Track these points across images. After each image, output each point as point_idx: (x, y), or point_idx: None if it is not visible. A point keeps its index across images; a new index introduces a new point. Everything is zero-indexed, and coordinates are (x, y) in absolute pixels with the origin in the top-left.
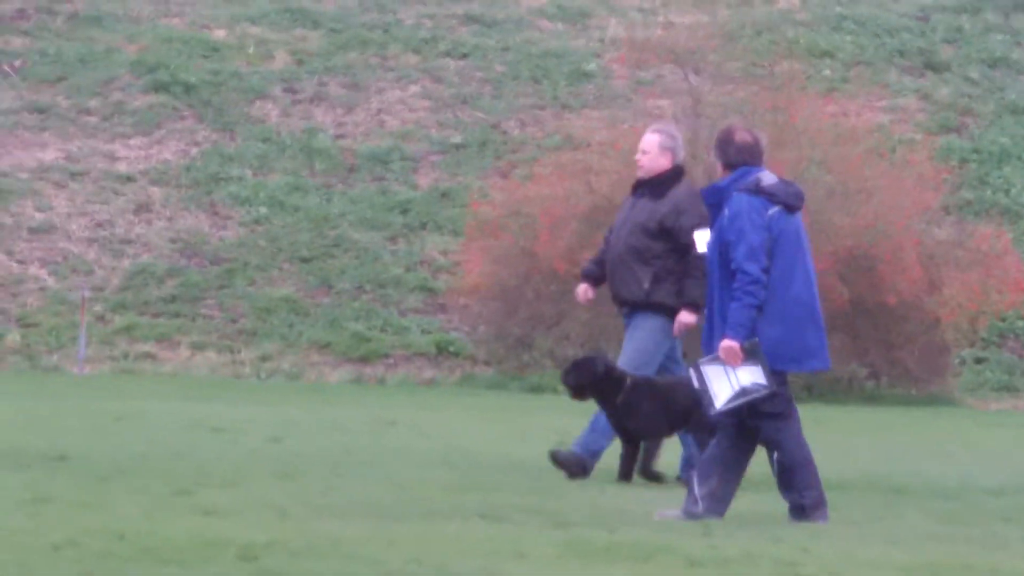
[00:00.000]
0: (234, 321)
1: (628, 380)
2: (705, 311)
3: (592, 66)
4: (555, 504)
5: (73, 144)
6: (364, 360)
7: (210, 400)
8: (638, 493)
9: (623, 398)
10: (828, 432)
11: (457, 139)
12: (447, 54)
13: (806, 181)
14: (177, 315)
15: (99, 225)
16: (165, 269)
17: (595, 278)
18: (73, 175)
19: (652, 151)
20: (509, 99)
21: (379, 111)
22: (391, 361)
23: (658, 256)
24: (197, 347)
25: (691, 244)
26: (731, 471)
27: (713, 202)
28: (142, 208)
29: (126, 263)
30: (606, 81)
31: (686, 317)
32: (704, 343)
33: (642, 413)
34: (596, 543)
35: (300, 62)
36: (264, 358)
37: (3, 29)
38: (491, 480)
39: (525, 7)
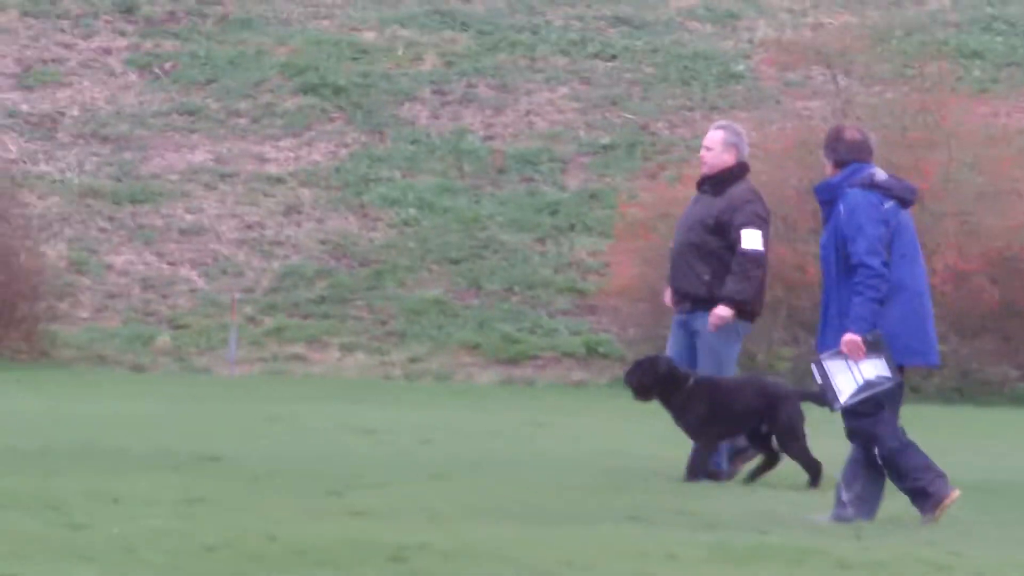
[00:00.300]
0: (383, 323)
1: (690, 380)
2: (822, 310)
3: (741, 68)
4: (705, 506)
5: (223, 146)
6: (513, 362)
7: (359, 402)
8: (788, 495)
9: (683, 398)
10: (978, 434)
11: (606, 140)
12: (596, 56)
13: (956, 182)
14: (327, 316)
15: (249, 227)
16: (315, 270)
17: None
18: (223, 177)
19: (716, 147)
20: (658, 101)
21: (528, 113)
22: (540, 363)
23: (716, 252)
24: (347, 348)
25: (737, 240)
26: (875, 471)
27: (825, 198)
28: (292, 210)
29: (276, 265)
30: (755, 83)
31: (721, 311)
32: (819, 340)
33: (702, 413)
34: (746, 545)
35: (449, 64)
36: (413, 360)
37: (154, 32)
38: (641, 482)
39: (674, 8)
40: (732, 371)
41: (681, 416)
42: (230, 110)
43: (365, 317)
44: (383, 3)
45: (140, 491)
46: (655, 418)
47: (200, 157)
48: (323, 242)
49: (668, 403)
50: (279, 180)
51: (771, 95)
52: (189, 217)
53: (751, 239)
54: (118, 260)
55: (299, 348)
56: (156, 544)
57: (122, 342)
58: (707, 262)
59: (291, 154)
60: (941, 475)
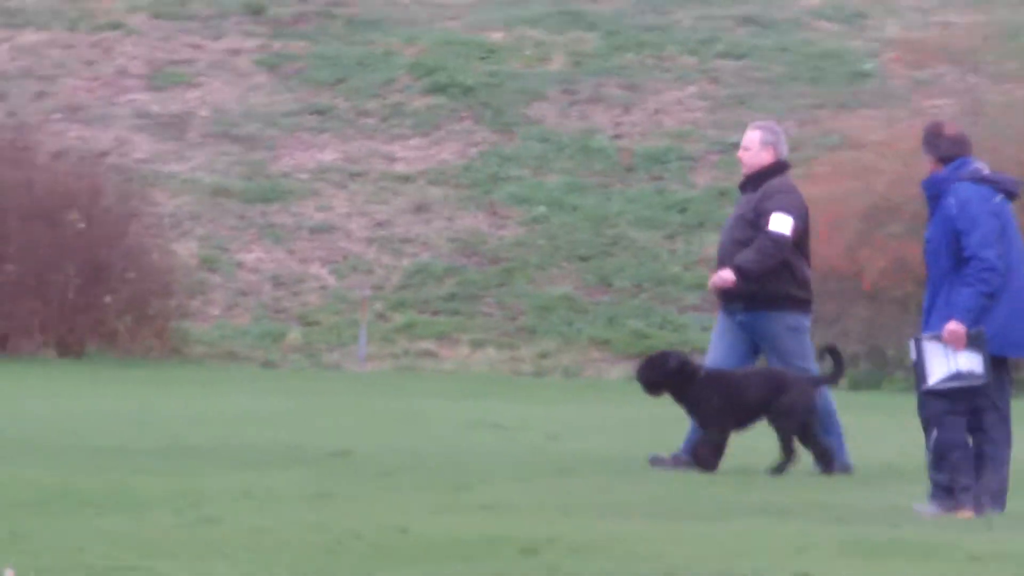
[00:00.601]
0: (513, 319)
1: (701, 373)
2: (926, 297)
3: (869, 66)
4: (837, 500)
5: (352, 145)
6: (642, 357)
7: (489, 397)
8: (920, 490)
9: (694, 390)
10: None
11: (734, 139)
12: (724, 55)
13: None
14: (456, 313)
15: (378, 225)
16: (444, 268)
17: None
18: (352, 176)
19: (753, 147)
20: (786, 99)
21: (656, 111)
22: None
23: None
24: (476, 345)
25: (766, 221)
26: (996, 460)
27: (933, 193)
28: (421, 208)
29: (405, 262)
30: (884, 81)
31: (724, 273)
32: (923, 329)
33: (713, 405)
34: (878, 539)
35: (577, 63)
36: (542, 355)
37: (283, 33)
38: (771, 476)
39: (802, 8)
40: (806, 365)
41: (695, 409)
42: (359, 110)
43: (495, 314)
44: (510, 4)
45: (272, 486)
46: None
47: (329, 156)
48: (453, 240)
49: (681, 398)
50: (408, 179)
51: (900, 94)
52: (319, 215)
53: (779, 222)
54: (249, 258)
55: (429, 344)
56: (287, 538)
57: (253, 339)
58: None
59: (420, 153)
60: (968, 488)
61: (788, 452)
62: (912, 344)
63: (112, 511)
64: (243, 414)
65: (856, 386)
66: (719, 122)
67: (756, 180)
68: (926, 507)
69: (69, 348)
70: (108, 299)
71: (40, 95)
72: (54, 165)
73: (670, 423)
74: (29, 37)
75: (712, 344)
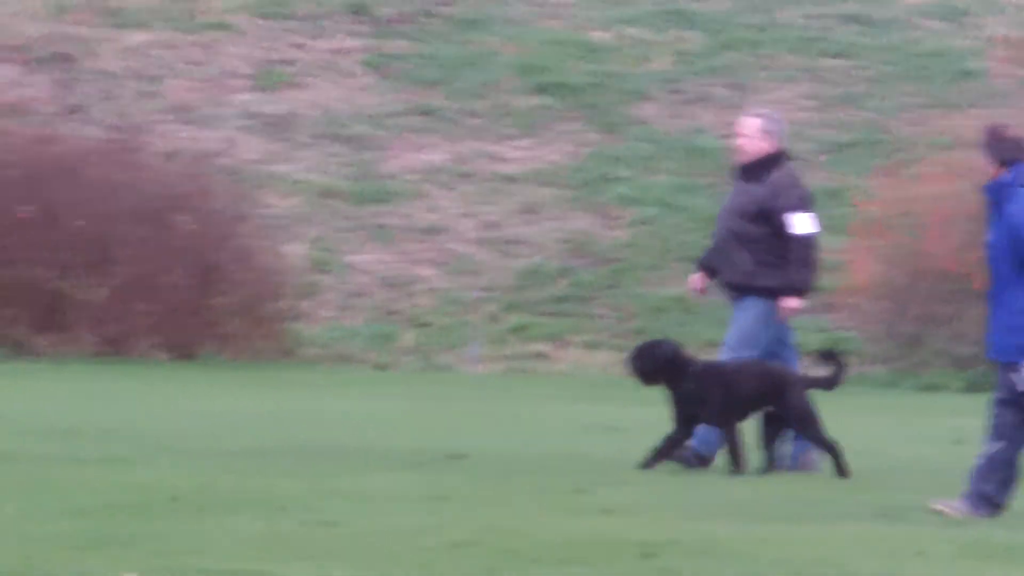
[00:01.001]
0: (625, 320)
1: (695, 365)
2: (991, 310)
3: (975, 65)
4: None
5: (460, 146)
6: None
7: (603, 399)
8: None
9: (688, 383)
10: None
11: (842, 139)
12: (829, 54)
13: None
14: (568, 315)
15: (488, 226)
16: (555, 269)
17: (709, 268)
18: (460, 176)
19: (753, 134)
20: (894, 98)
21: None
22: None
23: (757, 240)
24: (589, 346)
25: (786, 226)
26: None
27: (995, 199)
28: (529, 209)
29: (516, 264)
30: (990, 80)
31: (790, 302)
32: (989, 337)
33: (708, 399)
34: (995, 542)
35: (682, 63)
36: None
37: (387, 32)
38: (887, 479)
39: (907, 6)
40: (755, 352)
41: (688, 402)
42: (466, 110)
43: (606, 315)
44: (614, 3)
45: (388, 489)
46: (902, 415)
47: (437, 157)
48: (563, 241)
49: (673, 389)
50: (516, 180)
51: (1007, 92)
52: (428, 216)
53: (801, 223)
54: (359, 259)
55: (541, 346)
56: (405, 541)
57: (365, 340)
58: (749, 250)
59: (528, 154)
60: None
61: (830, 450)
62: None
63: (231, 513)
64: (357, 416)
65: (972, 388)
66: (825, 121)
67: (755, 170)
68: (955, 504)
69: (181, 350)
70: (219, 301)
71: (147, 96)
72: (163, 166)
73: None
74: (135, 38)
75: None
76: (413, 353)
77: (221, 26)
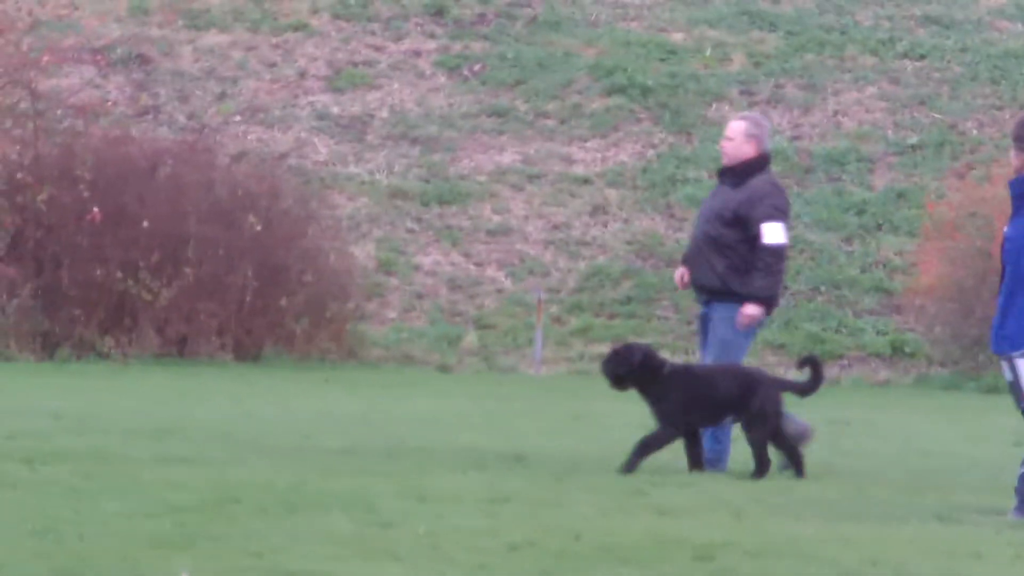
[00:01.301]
0: (689, 323)
1: (666, 368)
2: (999, 304)
3: None
4: (1007, 505)
5: (530, 147)
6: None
7: None
8: None
9: (660, 386)
10: None
11: (914, 140)
12: (905, 55)
13: None
14: (633, 316)
15: (556, 227)
16: (621, 270)
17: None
18: (530, 177)
19: (737, 138)
20: (967, 100)
21: (835, 112)
22: (845, 362)
23: (732, 245)
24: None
25: (759, 235)
26: None
27: (1020, 192)
28: (598, 210)
29: (582, 265)
30: None
31: (749, 309)
32: (1000, 332)
33: (679, 402)
34: None
35: (757, 64)
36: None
37: (465, 33)
38: (947, 481)
39: (984, 7)
40: (735, 359)
41: (657, 404)
42: (538, 111)
43: (671, 317)
44: (691, 4)
45: (447, 490)
46: (964, 417)
47: (508, 158)
48: (629, 242)
49: (645, 393)
50: (586, 181)
51: None
52: (496, 218)
53: (773, 233)
54: (426, 260)
55: (605, 348)
56: (463, 542)
57: (429, 342)
58: (723, 255)
59: (598, 155)
60: None
61: (760, 460)
62: (1003, 363)
63: (290, 513)
64: (419, 417)
65: None
66: (899, 123)
67: (738, 173)
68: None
69: (246, 351)
70: (285, 301)
71: (222, 96)
72: (234, 167)
73: (839, 424)
74: (212, 38)
75: (704, 342)
76: (477, 355)
77: (300, 27)
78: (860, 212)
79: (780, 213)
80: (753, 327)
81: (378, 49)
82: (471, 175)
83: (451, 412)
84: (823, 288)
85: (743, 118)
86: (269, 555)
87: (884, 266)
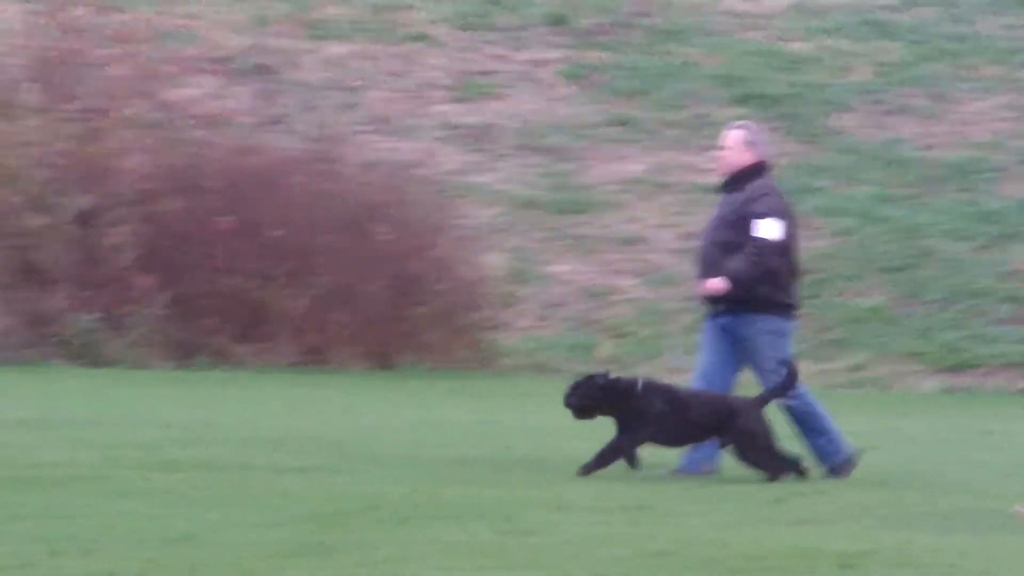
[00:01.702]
0: (824, 331)
1: (639, 384)
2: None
3: None
4: None
5: (657, 156)
6: (955, 370)
7: None
8: None
9: (634, 403)
10: None
11: None
12: None
13: None
14: None
15: (686, 236)
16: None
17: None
18: (658, 187)
19: (736, 146)
20: None
21: (963, 122)
22: (983, 371)
23: (740, 246)
24: None
25: (753, 227)
26: None
27: None
28: None
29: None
30: None
31: (713, 283)
32: None
33: (655, 417)
34: None
35: (882, 74)
36: (854, 368)
37: (586, 43)
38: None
39: None
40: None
41: (635, 421)
42: (663, 121)
43: (805, 326)
44: (813, 14)
45: (587, 498)
46: None
47: (636, 167)
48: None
49: (618, 415)
50: (714, 191)
51: None
52: (626, 227)
53: (766, 228)
54: (557, 270)
55: None
56: (604, 550)
57: (563, 351)
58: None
59: None
60: None
61: (772, 470)
62: None
63: (428, 522)
64: (557, 426)
65: None
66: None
67: (738, 180)
68: None
69: (380, 359)
70: (418, 311)
71: (347, 107)
72: (362, 177)
73: (983, 436)
74: (336, 49)
75: (702, 350)
76: (611, 363)
77: (422, 38)
78: (993, 221)
79: (776, 212)
80: (777, 335)
81: (500, 59)
82: (599, 184)
83: (588, 421)
84: (958, 298)
85: (739, 127)
86: (410, 564)
87: (1019, 276)
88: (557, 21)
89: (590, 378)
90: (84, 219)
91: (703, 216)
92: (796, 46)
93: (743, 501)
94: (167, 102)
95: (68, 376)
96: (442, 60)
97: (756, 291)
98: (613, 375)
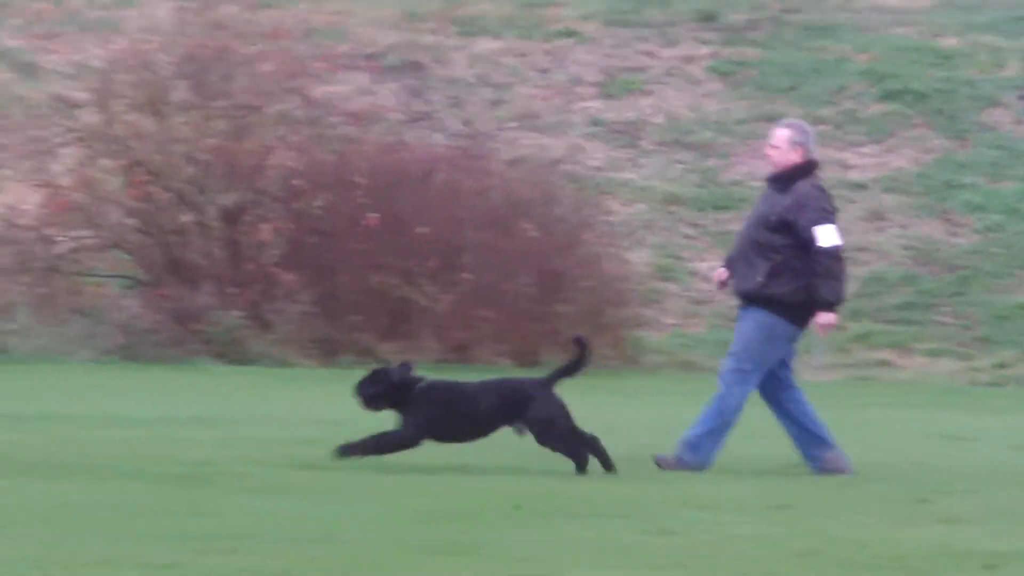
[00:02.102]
0: (969, 328)
1: (422, 383)
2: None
3: None
4: None
5: None
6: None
7: (946, 408)
8: None
9: (413, 401)
10: None
11: None
12: None
13: None
14: (911, 322)
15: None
16: (899, 276)
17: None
18: None
19: (782, 145)
20: None
21: None
22: None
23: (777, 250)
24: (932, 354)
25: (811, 239)
26: None
27: None
28: (874, 216)
29: (861, 271)
30: None
31: (824, 318)
32: None
33: (434, 415)
34: None
35: None
36: (1000, 365)
37: (736, 39)
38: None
39: None
40: (761, 370)
41: (415, 418)
42: (812, 116)
43: (950, 323)
44: (965, 9)
45: (728, 497)
46: None
47: None
48: (907, 248)
49: (402, 411)
50: (862, 186)
51: None
52: None
53: (826, 235)
54: (703, 266)
55: (885, 354)
56: (745, 550)
57: (708, 348)
58: (765, 258)
59: (874, 160)
60: None
61: (574, 454)
62: None
63: (569, 521)
64: None
65: None
66: None
67: (784, 179)
68: None
69: (524, 357)
70: (562, 308)
71: (495, 103)
72: (508, 173)
73: None
74: (484, 45)
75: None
76: None
77: (571, 34)
78: None
79: (828, 215)
80: (770, 333)
81: (649, 55)
82: (745, 181)
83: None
84: None
85: (787, 125)
86: (552, 562)
87: None
88: (706, 17)
89: (385, 370)
90: (230, 216)
91: (851, 214)
92: (947, 42)
93: (886, 501)
94: (316, 99)
95: (213, 373)
96: (591, 56)
97: (772, 290)
98: (408, 373)
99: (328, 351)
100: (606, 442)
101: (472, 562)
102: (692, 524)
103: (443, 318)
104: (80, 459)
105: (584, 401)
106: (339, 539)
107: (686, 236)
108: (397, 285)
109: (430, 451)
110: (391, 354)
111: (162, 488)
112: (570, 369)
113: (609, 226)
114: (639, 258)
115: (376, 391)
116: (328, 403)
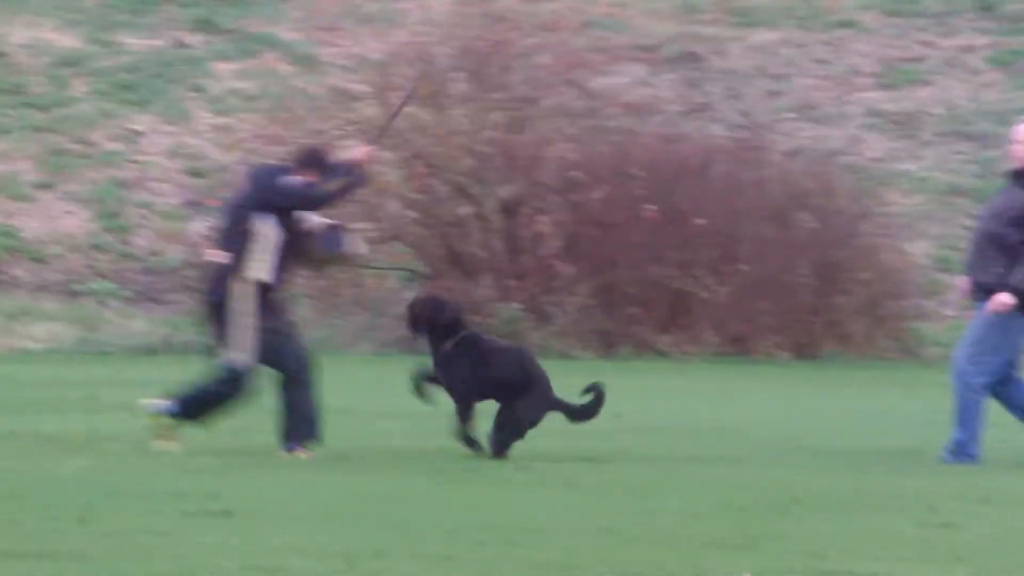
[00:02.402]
0: None
1: (460, 333)
2: None
3: None
4: None
5: None
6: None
7: None
8: None
9: (446, 350)
10: None
11: None
12: None
13: None
14: None
15: None
16: None
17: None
18: None
19: (1023, 142)
20: None
21: None
22: None
23: (1014, 245)
24: None
25: None
26: None
27: None
28: None
29: None
30: None
31: (1002, 297)
32: None
33: (457, 370)
34: None
35: None
36: None
37: (1016, 29)
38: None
39: None
40: (1006, 360)
41: (440, 368)
42: None
43: None
44: None
45: (1012, 491)
46: None
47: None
48: None
49: (433, 349)
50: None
51: None
52: None
53: None
54: None
55: None
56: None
57: None
58: (1005, 253)
59: None
60: None
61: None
62: None
63: (849, 514)
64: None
65: None
66: None
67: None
68: None
69: (803, 349)
70: (841, 300)
71: (773, 94)
72: (787, 164)
73: None
74: (762, 36)
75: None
76: None
77: (849, 24)
78: None
79: None
80: (1006, 325)
81: (928, 45)
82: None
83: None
84: None
85: None
86: (831, 556)
87: None
88: (985, 6)
89: (442, 303)
90: (509, 208)
91: None
92: None
93: None
94: (593, 91)
95: None
96: (869, 46)
97: (993, 282)
98: (460, 313)
99: (606, 343)
100: (885, 435)
101: (749, 557)
102: (975, 518)
103: (721, 310)
104: (360, 452)
105: (863, 394)
106: (617, 532)
107: (965, 228)
108: (675, 277)
109: (702, 445)
110: (669, 347)
111: (441, 481)
112: (577, 414)
113: (888, 217)
114: (918, 250)
115: (422, 316)
116: (609, 396)
